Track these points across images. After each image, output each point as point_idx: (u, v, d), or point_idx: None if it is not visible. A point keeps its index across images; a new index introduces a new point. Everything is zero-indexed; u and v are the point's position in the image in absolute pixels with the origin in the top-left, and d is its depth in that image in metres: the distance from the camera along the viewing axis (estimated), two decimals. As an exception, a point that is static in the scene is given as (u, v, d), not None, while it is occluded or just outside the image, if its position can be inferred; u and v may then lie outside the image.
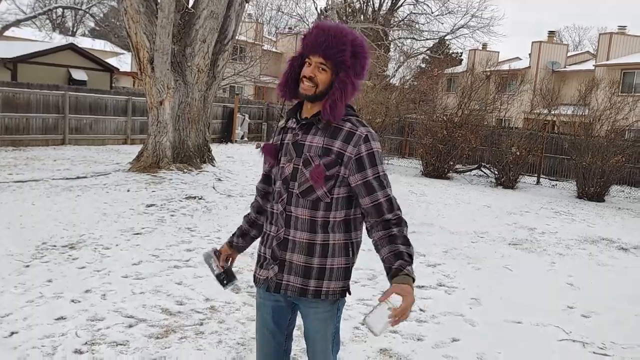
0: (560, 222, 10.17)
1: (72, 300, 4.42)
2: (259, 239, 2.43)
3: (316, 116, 2.18)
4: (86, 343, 3.69)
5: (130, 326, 4.02)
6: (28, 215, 7.16)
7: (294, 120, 2.25)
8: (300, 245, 2.17)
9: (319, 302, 2.21)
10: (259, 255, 2.33)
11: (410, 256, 2.10)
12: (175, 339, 3.87)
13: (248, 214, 2.51)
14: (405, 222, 2.18)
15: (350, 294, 2.27)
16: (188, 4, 11.92)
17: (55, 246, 5.93)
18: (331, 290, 2.19)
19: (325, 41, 2.09)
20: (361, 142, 2.13)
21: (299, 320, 2.39)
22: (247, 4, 12.87)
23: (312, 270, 2.17)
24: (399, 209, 2.18)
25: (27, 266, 5.20)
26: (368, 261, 6.22)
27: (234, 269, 2.55)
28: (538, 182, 16.90)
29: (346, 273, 2.22)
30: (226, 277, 2.47)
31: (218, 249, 2.52)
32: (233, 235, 2.52)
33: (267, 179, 2.38)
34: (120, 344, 3.72)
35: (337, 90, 2.11)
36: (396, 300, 1.96)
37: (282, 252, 2.20)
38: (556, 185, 16.72)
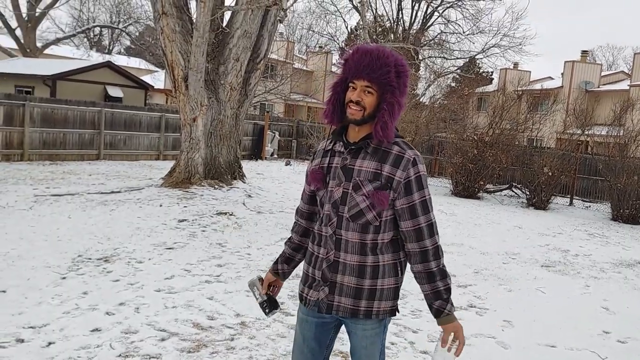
0: (594, 245, 9.97)
1: (107, 313, 4.51)
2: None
3: (365, 139, 2.20)
4: (120, 355, 3.75)
5: (163, 339, 4.08)
6: (64, 228, 7.33)
7: (342, 143, 2.26)
8: (351, 267, 2.20)
9: (367, 320, 2.23)
10: (305, 275, 2.34)
11: (448, 290, 2.21)
12: (207, 354, 3.91)
13: (290, 239, 2.51)
14: (442, 251, 2.24)
15: (398, 312, 2.31)
16: (223, 23, 12.16)
17: (90, 259, 6.06)
18: (382, 310, 2.23)
19: (369, 64, 2.11)
20: (410, 165, 2.16)
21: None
22: (279, 24, 13.06)
23: (363, 291, 2.20)
24: (437, 233, 2.22)
25: (64, 278, 5.32)
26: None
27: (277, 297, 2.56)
28: (571, 204, 16.62)
29: (395, 292, 2.26)
30: (268, 306, 2.47)
31: (263, 277, 2.53)
32: (276, 262, 2.51)
33: (311, 199, 2.41)
34: (154, 357, 3.77)
35: (386, 112, 2.14)
36: (451, 338, 2.20)
37: (332, 274, 2.23)
38: (590, 207, 16.41)
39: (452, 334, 2.17)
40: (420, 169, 2.18)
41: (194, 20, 10.79)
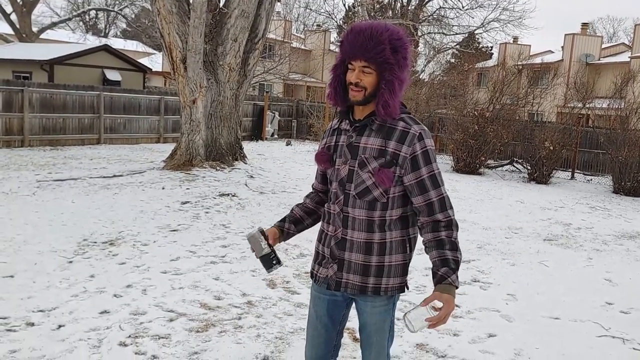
0: (596, 218, 10.01)
1: (115, 295, 4.55)
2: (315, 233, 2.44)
3: (369, 117, 2.20)
4: (130, 336, 3.80)
5: (171, 320, 4.13)
6: (68, 213, 7.36)
7: (347, 121, 2.27)
8: (359, 244, 2.21)
9: (376, 297, 2.24)
10: (317, 253, 2.36)
11: (457, 262, 2.12)
12: (215, 333, 3.95)
13: (303, 202, 2.50)
14: (456, 224, 2.20)
15: (408, 288, 2.31)
16: (220, 3, 12.05)
17: (95, 242, 6.09)
18: (390, 287, 2.23)
19: (362, 44, 2.10)
20: (415, 140, 2.14)
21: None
22: (277, 2, 12.93)
23: (371, 268, 2.21)
24: (450, 208, 2.19)
25: (70, 262, 5.37)
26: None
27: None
28: (572, 177, 16.63)
29: (404, 269, 2.26)
30: (275, 257, 2.34)
31: (264, 229, 2.39)
32: (283, 220, 2.47)
33: (323, 178, 2.43)
34: (163, 337, 3.82)
35: (386, 90, 2.12)
36: (437, 305, 2.05)
37: (340, 251, 2.24)
38: (591, 180, 16.42)
39: (441, 303, 2.04)
40: (427, 143, 2.16)
41: (191, 1, 10.69)
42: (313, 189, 2.52)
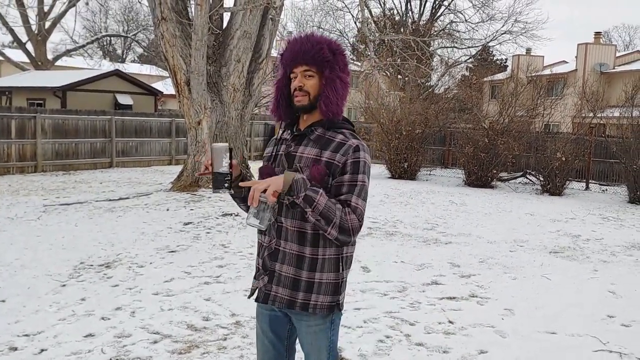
0: (607, 229, 9.78)
1: (102, 318, 4.54)
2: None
3: (310, 127, 2.20)
4: (110, 359, 3.77)
5: (155, 342, 4.09)
6: (70, 236, 7.41)
7: (289, 131, 2.27)
8: (290, 256, 2.17)
9: (310, 315, 2.19)
10: (256, 267, 2.34)
11: (314, 200, 1.99)
12: (198, 354, 3.91)
13: None
14: (355, 228, 2.07)
15: (340, 309, 2.23)
16: (223, 24, 12.19)
17: (92, 265, 6.11)
18: (319, 304, 2.17)
19: (301, 48, 2.15)
20: (350, 151, 2.13)
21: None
22: (279, 22, 13.05)
23: (300, 283, 2.16)
24: (360, 216, 2.08)
25: (64, 285, 5.38)
26: (398, 273, 6.18)
27: None
28: (587, 188, 16.34)
29: (336, 288, 2.19)
30: (230, 179, 2.11)
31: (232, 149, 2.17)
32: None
33: None
34: (143, 360, 3.79)
35: (327, 87, 2.14)
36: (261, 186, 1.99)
37: (272, 262, 2.21)
38: (606, 190, 16.11)
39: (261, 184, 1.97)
40: (361, 155, 2.13)
41: (193, 24, 10.82)
42: None
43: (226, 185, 2.11)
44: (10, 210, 9.13)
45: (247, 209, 2.16)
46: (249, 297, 2.34)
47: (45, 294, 5.10)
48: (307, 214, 2.02)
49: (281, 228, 2.18)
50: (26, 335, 4.13)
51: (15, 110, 14.77)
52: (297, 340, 2.38)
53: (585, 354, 4.20)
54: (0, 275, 5.60)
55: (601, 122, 17.21)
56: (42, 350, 3.87)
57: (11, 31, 26.38)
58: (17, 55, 29.15)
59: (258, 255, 2.32)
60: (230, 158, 2.13)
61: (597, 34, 34.15)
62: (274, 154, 2.29)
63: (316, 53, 2.13)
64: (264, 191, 1.96)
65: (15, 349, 3.89)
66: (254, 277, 2.32)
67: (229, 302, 5.02)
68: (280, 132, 2.35)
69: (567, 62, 37.45)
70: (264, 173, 2.29)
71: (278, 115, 2.27)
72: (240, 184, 2.13)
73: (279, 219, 2.18)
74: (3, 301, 4.86)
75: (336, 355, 2.31)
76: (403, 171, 17.04)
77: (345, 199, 2.08)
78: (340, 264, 2.19)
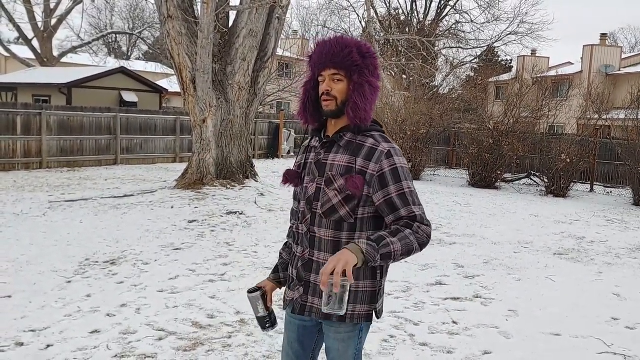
0: (611, 231, 9.77)
1: (108, 314, 4.56)
2: None
3: (339, 133, 2.14)
4: (116, 356, 3.79)
5: (160, 339, 4.11)
6: (75, 233, 7.44)
7: (317, 138, 2.22)
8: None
9: (341, 323, 2.15)
10: (288, 276, 2.28)
11: (384, 241, 1.94)
12: (203, 352, 3.92)
13: (287, 243, 2.41)
14: (424, 234, 2.03)
15: (378, 317, 2.19)
16: (229, 23, 12.20)
17: (97, 262, 6.13)
18: (356, 314, 2.13)
19: (330, 52, 2.08)
20: (383, 158, 2.06)
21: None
22: (285, 22, 13.05)
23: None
24: (426, 224, 2.05)
25: (69, 282, 5.40)
26: (402, 273, 6.19)
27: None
28: (592, 190, 16.31)
29: (372, 296, 2.14)
30: (269, 321, 2.33)
31: (262, 286, 2.35)
32: (276, 271, 2.38)
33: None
34: (149, 357, 3.80)
35: (355, 92, 2.07)
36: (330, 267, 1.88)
37: (307, 273, 2.16)
38: (611, 192, 16.09)
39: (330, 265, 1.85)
40: (397, 161, 2.07)
41: (199, 22, 10.83)
42: (292, 215, 2.35)
43: (267, 326, 2.33)
44: (16, 206, 9.17)
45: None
46: (284, 308, 2.30)
47: (51, 290, 5.13)
48: (389, 265, 1.98)
49: (314, 238, 2.14)
50: (32, 330, 4.15)
51: (21, 106, 14.82)
52: (321, 350, 2.36)
53: (590, 355, 4.20)
54: (6, 272, 5.63)
55: (606, 124, 17.18)
56: (49, 346, 3.89)
57: (17, 28, 26.47)
58: (23, 52, 29.22)
59: (291, 265, 2.27)
60: (264, 300, 2.31)
61: (603, 35, 34.03)
62: (303, 162, 2.25)
63: (345, 57, 2.06)
64: (343, 273, 1.84)
65: (22, 344, 3.91)
66: (288, 287, 2.27)
67: (233, 300, 5.03)
68: (309, 139, 2.30)
69: (572, 64, 37.37)
70: (290, 177, 2.25)
71: (305, 118, 2.21)
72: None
73: (311, 229, 2.14)
74: (9, 297, 4.89)
75: None
76: (407, 171, 16.99)
77: (407, 212, 2.03)
78: (377, 271, 2.14)
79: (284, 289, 2.35)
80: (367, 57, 2.10)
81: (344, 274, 1.84)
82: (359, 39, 2.17)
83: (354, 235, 2.09)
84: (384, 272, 2.18)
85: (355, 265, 1.88)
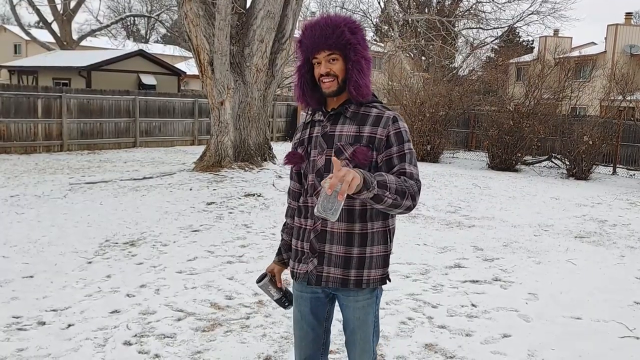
0: (635, 214, 9.61)
1: (127, 295, 4.60)
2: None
3: (343, 105, 2.18)
4: (136, 335, 3.83)
5: (179, 319, 4.14)
6: (95, 215, 7.52)
7: (320, 112, 2.25)
8: (339, 235, 2.16)
9: (358, 291, 2.21)
10: (295, 250, 2.30)
11: (386, 184, 1.92)
12: (221, 333, 3.94)
13: (285, 224, 2.46)
14: (417, 189, 2.05)
15: (390, 281, 2.27)
16: (245, 5, 12.12)
17: (117, 243, 6.19)
18: (372, 279, 2.20)
19: (322, 34, 2.11)
20: (390, 122, 2.14)
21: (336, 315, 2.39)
22: (302, 3, 12.92)
23: (352, 260, 2.16)
24: (418, 181, 2.07)
25: (90, 262, 5.46)
26: (420, 255, 6.15)
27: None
28: (614, 172, 16.05)
29: (385, 260, 2.23)
30: (287, 299, 2.46)
31: (268, 271, 2.47)
32: (280, 253, 2.46)
33: (299, 176, 2.36)
34: (168, 337, 3.84)
35: (354, 70, 2.12)
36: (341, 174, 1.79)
37: (320, 244, 2.19)
38: (634, 175, 15.81)
39: (339, 174, 1.78)
40: (401, 125, 2.16)
41: (216, 4, 10.78)
42: (289, 194, 2.42)
43: (286, 304, 2.48)
44: (37, 188, 9.29)
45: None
46: (295, 280, 2.31)
47: (71, 270, 5.19)
48: (384, 199, 1.93)
49: None
50: (54, 310, 4.21)
51: (41, 89, 14.95)
52: (332, 321, 2.40)
53: (611, 340, 4.14)
54: (28, 252, 5.71)
55: (630, 105, 16.83)
56: (70, 325, 3.94)
57: (37, 11, 26.63)
58: (43, 35, 29.46)
59: (299, 239, 2.27)
60: (274, 283, 2.45)
61: (628, 14, 33.24)
62: (306, 137, 2.26)
63: (338, 37, 2.10)
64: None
65: (44, 323, 3.97)
66: (297, 261, 2.28)
67: (251, 282, 5.04)
68: (307, 115, 2.33)
69: (595, 44, 36.60)
70: (293, 160, 2.27)
71: (305, 102, 2.25)
72: None
73: None
74: (31, 277, 4.96)
75: (379, 330, 2.33)
76: (426, 153, 16.90)
77: (399, 169, 2.10)
78: (388, 235, 2.22)
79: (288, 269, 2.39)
80: (356, 32, 2.15)
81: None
82: (347, 17, 2.17)
83: (366, 203, 2.10)
84: (393, 236, 2.26)
85: (358, 186, 1.82)
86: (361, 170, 1.89)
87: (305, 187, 2.26)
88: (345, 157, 2.12)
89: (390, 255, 2.27)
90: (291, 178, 2.41)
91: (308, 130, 2.27)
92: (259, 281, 2.47)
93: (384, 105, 2.22)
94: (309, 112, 2.32)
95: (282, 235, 2.48)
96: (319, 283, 2.22)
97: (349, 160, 2.11)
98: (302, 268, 2.26)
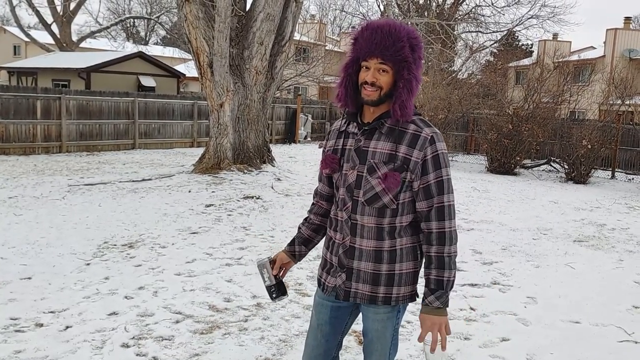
0: (633, 218, 9.61)
1: (126, 297, 4.60)
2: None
3: (379, 120, 2.10)
4: (134, 337, 3.82)
5: (177, 322, 4.13)
6: (94, 216, 7.51)
7: (355, 124, 2.17)
8: (368, 253, 2.13)
9: (382, 304, 2.17)
10: (324, 260, 2.28)
11: (439, 282, 2.08)
12: (219, 335, 3.94)
13: (308, 219, 2.42)
14: (452, 237, 2.12)
15: (418, 297, 2.21)
16: (245, 7, 12.14)
17: (115, 245, 6.18)
18: (401, 296, 2.16)
19: (381, 42, 2.00)
20: (427, 144, 2.05)
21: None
22: (302, 5, 12.94)
23: (381, 277, 2.13)
24: (450, 219, 2.11)
25: (88, 264, 5.45)
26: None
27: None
28: (613, 177, 16.06)
29: (414, 277, 2.18)
30: (276, 291, 2.39)
31: (273, 257, 2.43)
32: (292, 244, 2.42)
33: (329, 181, 2.30)
34: (166, 339, 3.83)
35: (404, 90, 2.03)
36: (428, 337, 2.10)
37: (349, 260, 2.16)
38: (633, 179, 15.82)
39: (430, 333, 2.06)
40: (439, 147, 2.07)
41: (216, 6, 10.79)
42: (316, 194, 2.39)
43: (274, 295, 2.38)
44: (36, 189, 9.28)
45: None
46: (324, 292, 2.27)
47: (70, 272, 5.18)
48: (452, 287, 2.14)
49: (356, 225, 2.13)
50: (52, 312, 4.20)
51: (40, 90, 14.94)
52: (347, 333, 2.40)
53: (610, 344, 4.14)
54: (26, 254, 5.70)
55: (629, 109, 16.86)
56: (67, 327, 3.94)
57: (37, 12, 26.62)
58: (43, 37, 29.43)
59: (329, 250, 2.25)
60: (273, 268, 2.38)
61: (627, 19, 33.30)
62: (340, 147, 2.19)
63: (397, 51, 2.00)
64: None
65: (42, 325, 3.96)
66: (326, 272, 2.26)
67: (250, 284, 5.04)
68: (342, 122, 2.25)
69: (595, 48, 36.68)
70: (330, 164, 2.21)
71: (344, 102, 2.15)
72: None
73: (352, 216, 2.14)
74: (29, 278, 4.95)
75: (397, 344, 2.28)
76: (425, 157, 16.86)
77: (438, 201, 2.08)
78: (419, 251, 2.18)
79: (316, 270, 2.39)
80: (416, 50, 2.06)
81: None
82: (411, 30, 2.07)
83: (395, 221, 2.11)
84: (422, 253, 2.20)
85: (447, 327, 2.11)
86: (436, 302, 2.06)
87: (336, 199, 2.22)
88: (377, 176, 2.07)
89: (419, 272, 2.21)
90: (320, 180, 2.36)
91: (342, 140, 2.20)
92: (258, 262, 2.42)
93: (422, 119, 2.12)
94: (344, 118, 2.24)
95: (299, 228, 2.44)
96: (347, 298, 2.20)
97: (382, 179, 2.06)
98: (331, 281, 2.23)
